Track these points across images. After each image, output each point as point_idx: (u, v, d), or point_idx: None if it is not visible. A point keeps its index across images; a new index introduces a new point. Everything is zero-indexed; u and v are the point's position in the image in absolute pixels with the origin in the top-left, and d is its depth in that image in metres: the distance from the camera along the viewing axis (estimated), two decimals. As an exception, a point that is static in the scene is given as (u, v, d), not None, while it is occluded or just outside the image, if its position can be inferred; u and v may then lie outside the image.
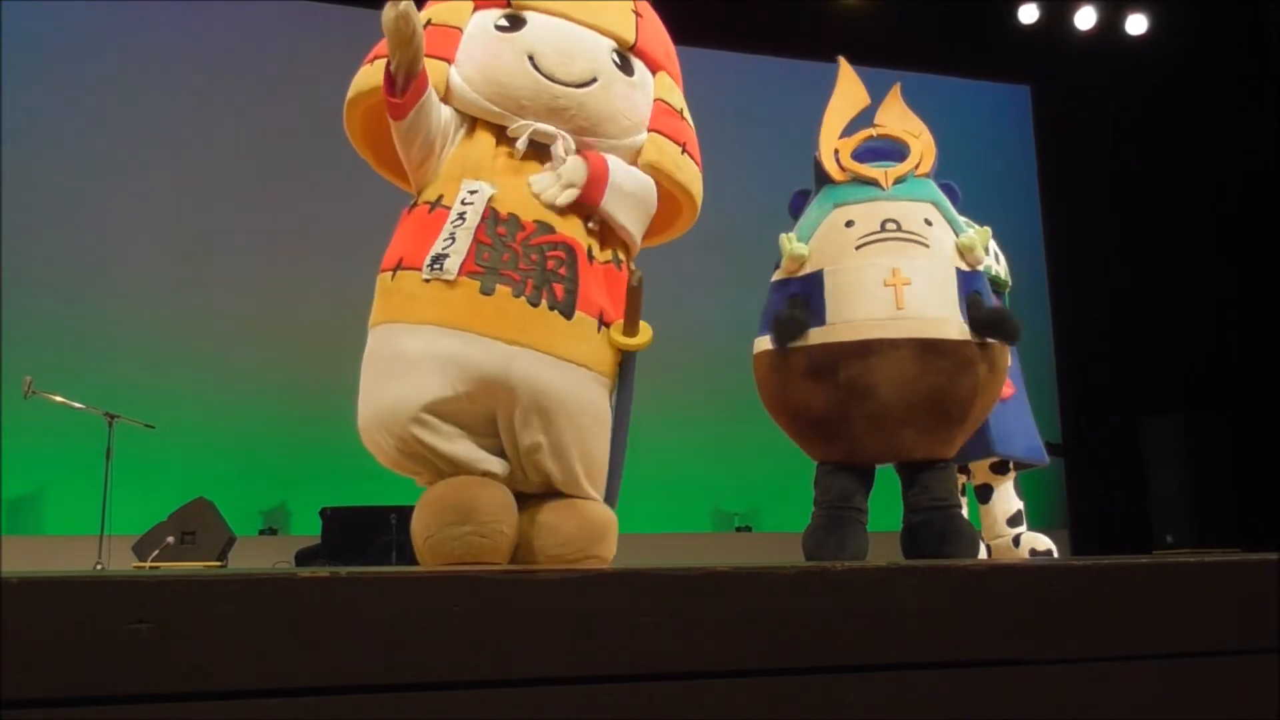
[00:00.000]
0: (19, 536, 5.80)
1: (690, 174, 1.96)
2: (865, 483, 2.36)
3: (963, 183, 2.50)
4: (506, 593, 1.04)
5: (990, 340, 2.28)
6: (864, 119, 2.56)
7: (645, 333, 1.75)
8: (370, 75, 1.82)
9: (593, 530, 1.70)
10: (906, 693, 1.12)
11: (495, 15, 1.84)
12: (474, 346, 1.61)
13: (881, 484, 2.39)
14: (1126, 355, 7.62)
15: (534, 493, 1.73)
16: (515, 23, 1.82)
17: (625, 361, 1.77)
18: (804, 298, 2.30)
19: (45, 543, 5.91)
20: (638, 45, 1.93)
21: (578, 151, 1.80)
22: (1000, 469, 2.81)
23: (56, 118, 6.59)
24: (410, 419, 1.61)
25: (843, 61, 2.60)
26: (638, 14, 1.96)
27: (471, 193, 1.70)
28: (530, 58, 1.78)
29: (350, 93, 1.87)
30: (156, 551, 4.95)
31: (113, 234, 6.58)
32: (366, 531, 5.51)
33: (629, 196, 1.82)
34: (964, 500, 2.83)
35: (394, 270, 1.69)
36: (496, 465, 1.68)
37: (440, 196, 1.73)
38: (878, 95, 2.60)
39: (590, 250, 1.74)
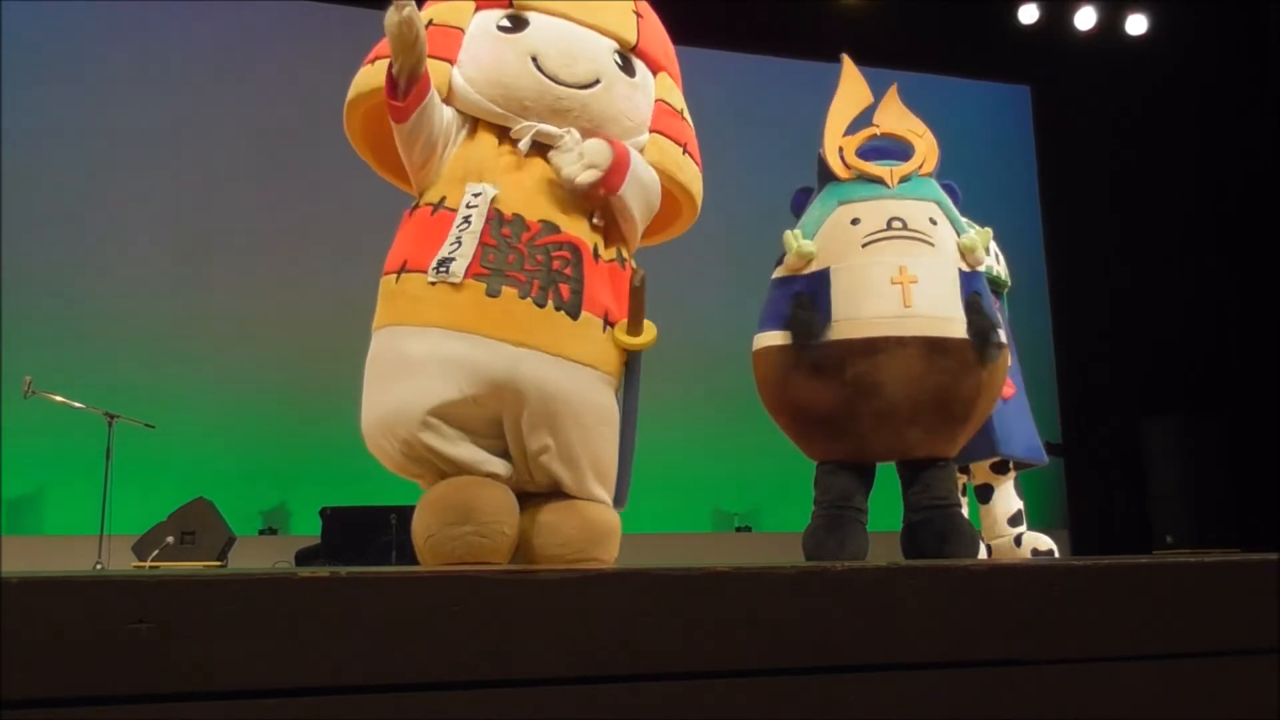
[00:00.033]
0: (19, 536, 5.80)
1: (691, 174, 1.96)
2: (865, 482, 2.35)
3: (963, 183, 2.49)
4: (506, 593, 1.04)
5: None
6: (867, 117, 2.55)
7: (649, 332, 1.74)
8: (370, 76, 1.81)
9: (593, 532, 1.69)
10: (906, 693, 1.12)
11: (497, 16, 1.83)
12: (480, 349, 1.60)
13: (881, 483, 2.38)
14: (1126, 355, 7.62)
15: (538, 492, 1.72)
16: (518, 23, 1.82)
17: (631, 360, 1.76)
18: (810, 295, 2.27)
19: (45, 543, 5.91)
20: (639, 46, 1.92)
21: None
22: (1000, 469, 2.81)
23: (56, 118, 6.58)
24: (416, 422, 1.60)
25: (846, 59, 2.57)
26: (638, 14, 1.96)
27: (476, 195, 1.69)
28: (534, 59, 1.78)
29: (350, 94, 1.86)
30: (156, 551, 4.95)
31: (113, 234, 6.57)
32: (366, 531, 5.50)
33: (644, 188, 1.82)
34: (964, 500, 2.83)
35: (398, 273, 1.68)
36: (500, 467, 1.67)
37: (443, 198, 1.72)
38: (877, 95, 2.59)
39: (596, 248, 1.74)
